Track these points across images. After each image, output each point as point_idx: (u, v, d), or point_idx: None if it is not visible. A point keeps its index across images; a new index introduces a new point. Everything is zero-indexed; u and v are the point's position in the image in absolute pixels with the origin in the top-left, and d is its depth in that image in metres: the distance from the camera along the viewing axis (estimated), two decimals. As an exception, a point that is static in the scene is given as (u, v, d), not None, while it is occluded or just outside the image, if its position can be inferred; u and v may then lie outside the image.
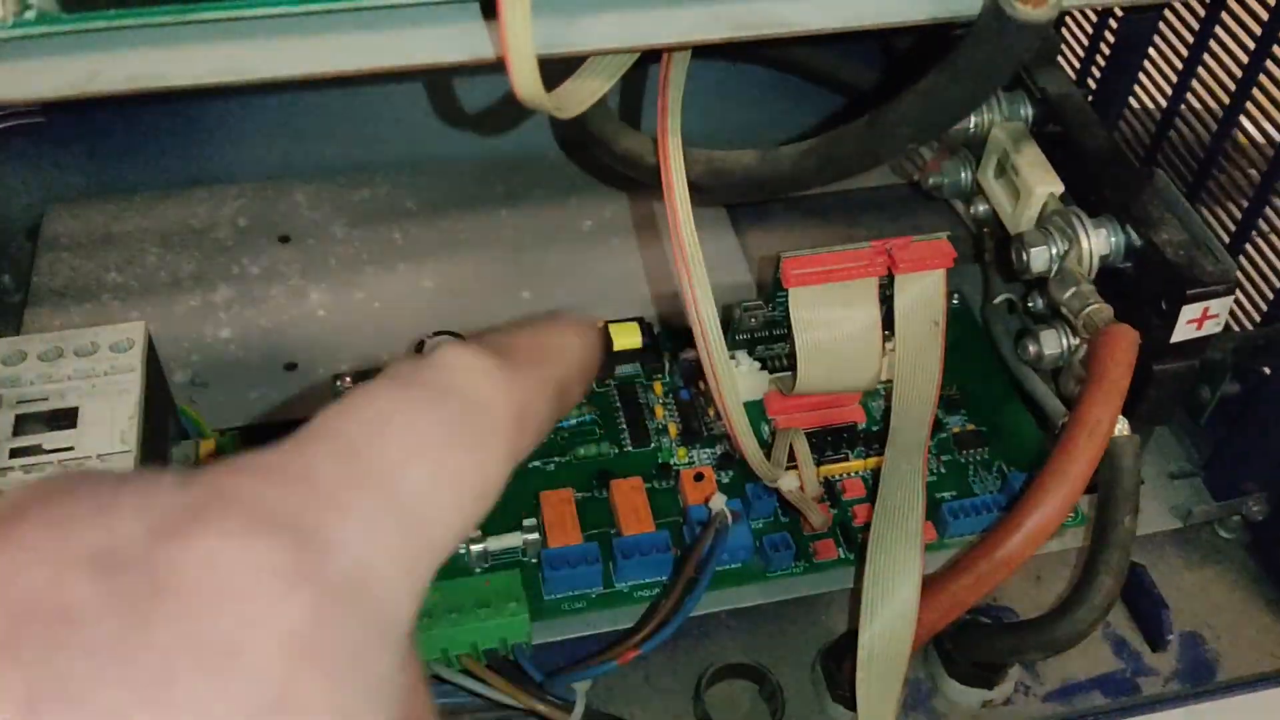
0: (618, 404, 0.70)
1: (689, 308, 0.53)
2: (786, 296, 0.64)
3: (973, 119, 0.68)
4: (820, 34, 0.39)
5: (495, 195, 0.85)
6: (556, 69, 0.40)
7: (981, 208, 0.73)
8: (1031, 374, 0.68)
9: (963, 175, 0.74)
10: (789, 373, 0.68)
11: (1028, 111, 0.71)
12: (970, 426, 0.70)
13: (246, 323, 0.76)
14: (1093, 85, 0.77)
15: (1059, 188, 0.66)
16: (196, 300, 0.77)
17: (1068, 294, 0.62)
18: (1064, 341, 0.64)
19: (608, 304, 0.77)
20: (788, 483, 0.61)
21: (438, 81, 0.82)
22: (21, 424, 0.54)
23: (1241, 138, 0.67)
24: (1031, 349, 0.65)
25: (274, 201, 0.84)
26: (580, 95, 0.40)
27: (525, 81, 0.36)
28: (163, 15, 0.34)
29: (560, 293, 0.78)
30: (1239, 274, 0.65)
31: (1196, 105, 0.70)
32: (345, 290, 0.78)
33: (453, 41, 0.36)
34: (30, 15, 0.34)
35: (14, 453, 0.53)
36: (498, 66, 0.36)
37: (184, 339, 0.74)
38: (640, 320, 0.72)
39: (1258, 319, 0.67)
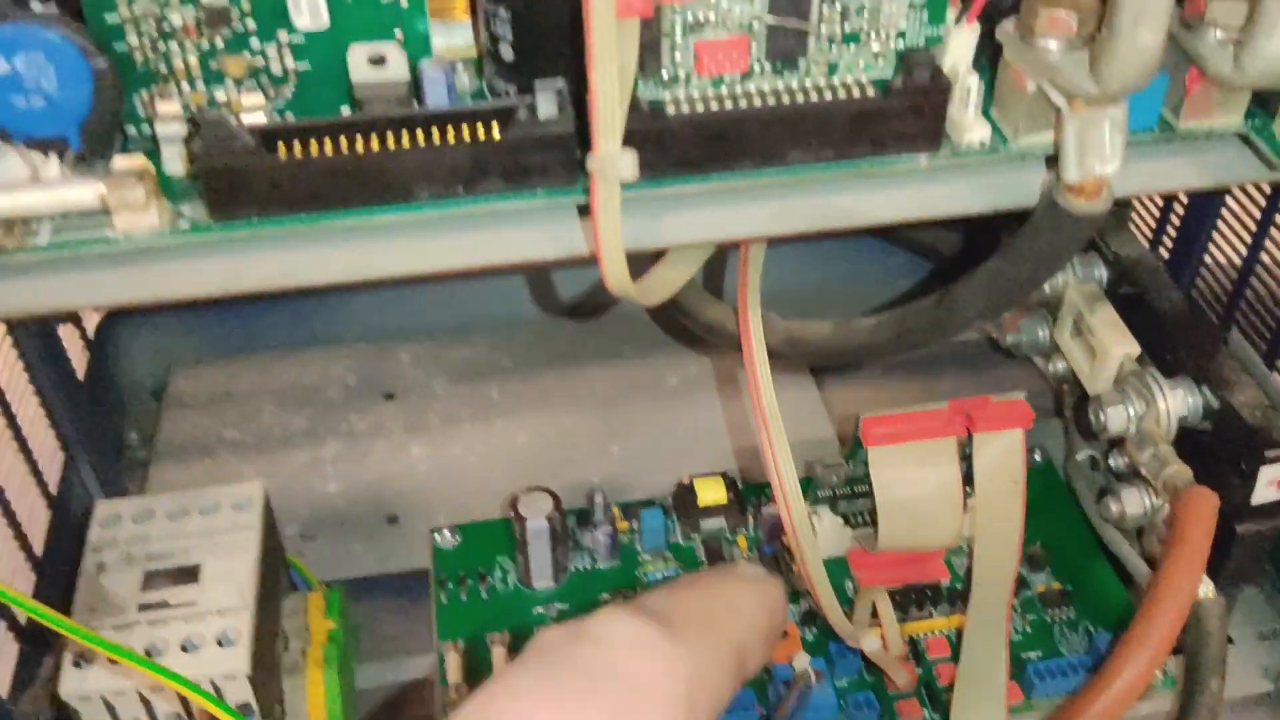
0: (702, 559, 0.72)
1: (770, 471, 0.56)
2: (867, 455, 0.66)
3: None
4: (889, 225, 0.42)
5: (586, 352, 0.89)
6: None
7: (1060, 365, 0.75)
8: (1115, 533, 0.69)
9: (1040, 333, 0.75)
10: (872, 529, 0.69)
11: (1102, 273, 0.73)
12: (1055, 585, 0.70)
13: (352, 477, 0.80)
14: (1167, 246, 0.79)
15: (1135, 349, 0.68)
16: (307, 455, 0.81)
17: (1146, 455, 0.63)
18: (1146, 501, 0.65)
19: (693, 458, 0.80)
20: (870, 643, 0.62)
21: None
22: (150, 580, 0.58)
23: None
24: (1114, 508, 0.66)
25: (380, 361, 0.89)
26: (664, 285, 0.44)
27: (616, 276, 0.39)
28: (300, 223, 0.38)
29: (647, 448, 0.81)
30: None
31: (1271, 265, 0.72)
32: (445, 445, 0.82)
33: (553, 241, 0.40)
34: (183, 224, 0.39)
35: (142, 607, 0.57)
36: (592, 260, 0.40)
37: (294, 493, 0.78)
38: (725, 475, 0.75)
39: (1345, 479, 0.67)
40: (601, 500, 0.72)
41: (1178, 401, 0.65)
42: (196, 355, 0.88)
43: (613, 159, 0.37)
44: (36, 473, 0.72)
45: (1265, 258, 0.71)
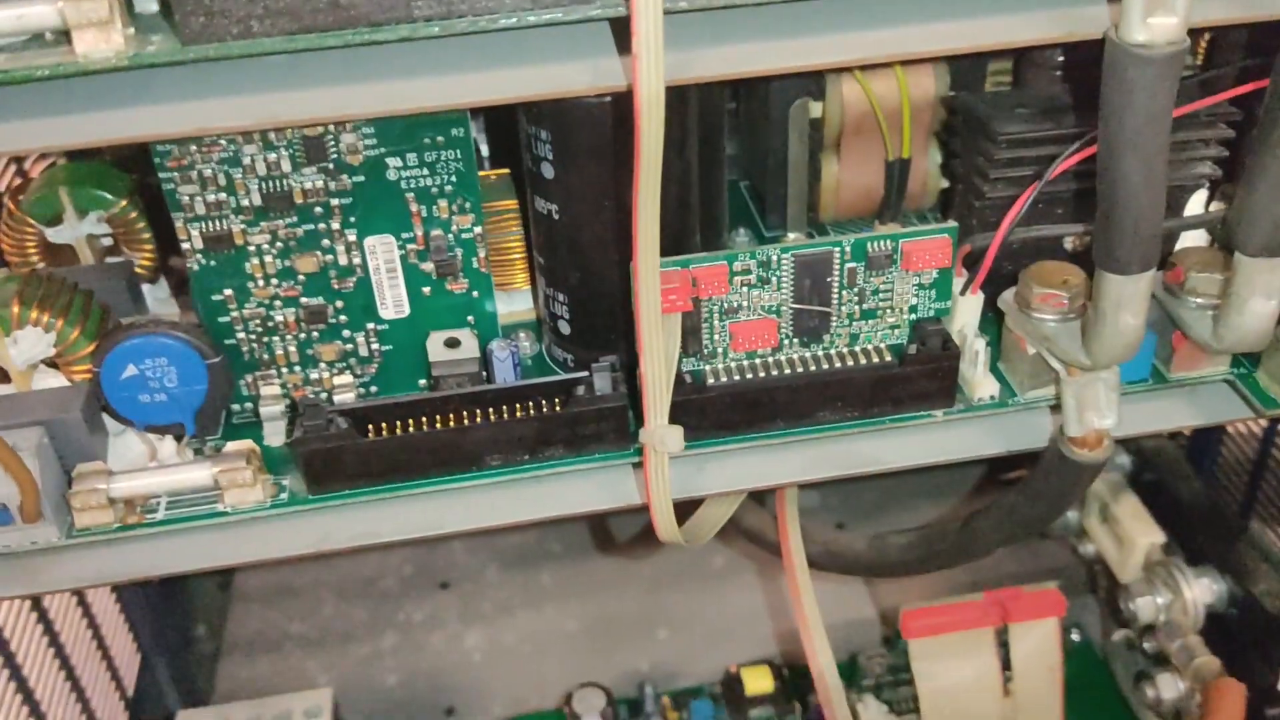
0: (752, 748, 0.74)
1: (815, 673, 0.59)
2: (908, 646, 0.69)
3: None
4: (910, 469, 0.46)
5: (631, 533, 0.93)
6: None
7: (1090, 548, 0.78)
8: (1153, 717, 0.71)
9: (1071, 516, 0.79)
10: (916, 716, 0.71)
11: (1125, 461, 0.77)
12: (1097, 768, 0.72)
13: (411, 668, 0.83)
14: (1186, 434, 0.82)
15: (1160, 538, 0.71)
16: (367, 649, 0.85)
17: (1175, 646, 0.66)
18: (1180, 686, 0.67)
19: (739, 643, 0.83)
20: (919, 838, 0.64)
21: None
22: (228, 791, 0.62)
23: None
24: (1149, 693, 0.68)
25: (434, 549, 0.93)
26: (705, 527, 0.48)
27: (666, 530, 0.44)
28: (383, 492, 0.43)
29: (695, 632, 0.84)
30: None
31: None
32: (498, 634, 0.85)
33: (609, 495, 0.45)
34: (283, 497, 0.44)
35: (221, 818, 0.60)
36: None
37: (356, 686, 0.82)
38: (771, 664, 0.77)
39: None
40: (652, 692, 0.75)
41: (1203, 590, 0.68)
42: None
43: (661, 435, 0.41)
44: (116, 676, 0.76)
45: (1277, 453, 0.74)
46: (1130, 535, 0.71)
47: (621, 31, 0.36)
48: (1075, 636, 0.80)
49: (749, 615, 0.86)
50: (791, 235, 0.54)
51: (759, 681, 0.76)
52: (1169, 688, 0.67)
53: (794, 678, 0.77)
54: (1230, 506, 0.77)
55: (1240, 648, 0.66)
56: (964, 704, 0.69)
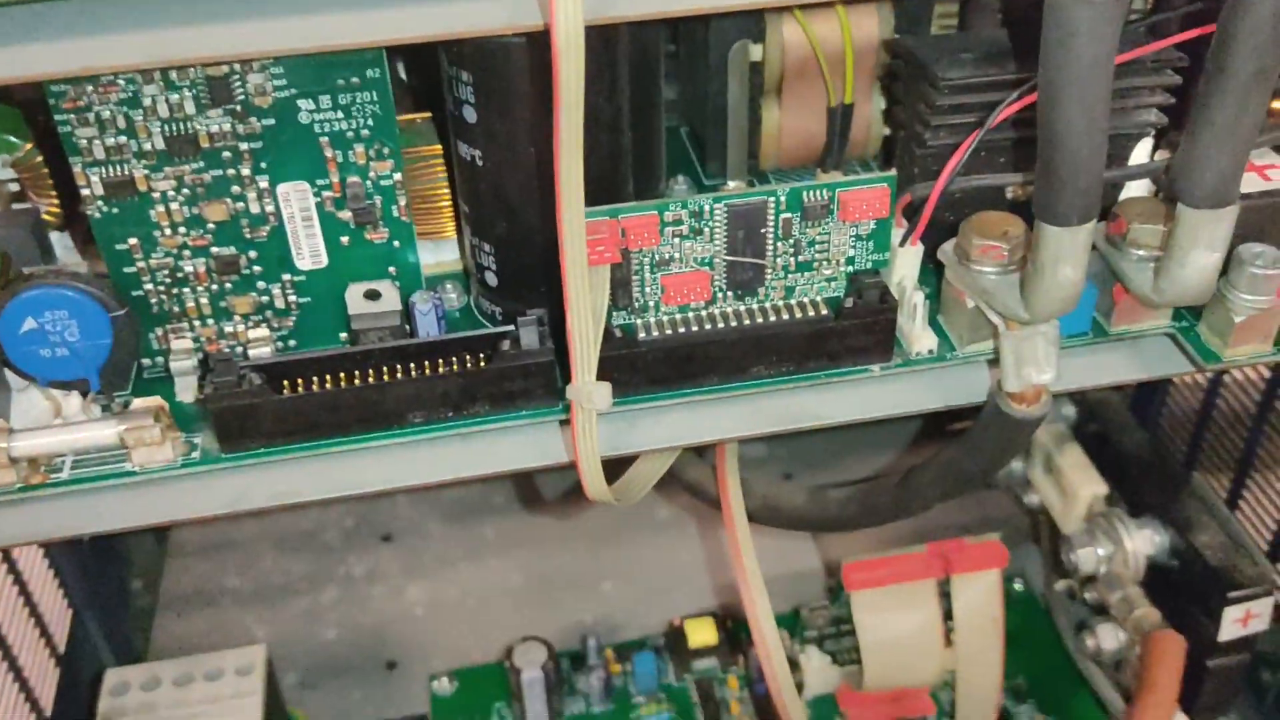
0: (695, 700, 0.74)
1: (754, 629, 0.58)
2: (850, 598, 0.69)
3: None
4: (848, 424, 0.45)
5: (575, 488, 0.92)
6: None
7: (1035, 498, 0.78)
8: (1093, 667, 0.71)
9: (1015, 467, 0.78)
10: (859, 667, 0.71)
11: (1070, 412, 0.77)
12: (1039, 717, 0.73)
13: (352, 622, 0.82)
14: (1131, 387, 0.82)
15: (1103, 489, 0.71)
16: (307, 602, 0.83)
17: (1116, 597, 0.66)
18: (1120, 636, 0.67)
19: (684, 596, 0.82)
20: (857, 791, 0.64)
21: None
22: (157, 750, 0.60)
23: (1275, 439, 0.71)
24: (1090, 643, 0.68)
25: (377, 502, 0.91)
26: (638, 485, 0.47)
27: (595, 488, 0.43)
28: (300, 450, 0.42)
29: (639, 584, 0.83)
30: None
31: (1229, 412, 0.75)
32: (441, 588, 0.84)
33: (536, 452, 0.44)
34: (195, 455, 0.42)
35: (149, 778, 0.59)
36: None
37: (295, 641, 0.80)
38: (715, 616, 0.77)
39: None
40: (595, 644, 0.75)
41: (1144, 542, 0.68)
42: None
43: (588, 391, 0.40)
44: (46, 634, 0.74)
45: (1221, 404, 0.74)
46: (1073, 486, 0.71)
47: (541, -33, 0.34)
48: (1018, 586, 0.80)
49: (694, 568, 0.86)
50: (731, 184, 0.52)
51: (702, 634, 0.76)
52: (1109, 638, 0.67)
53: (738, 630, 0.77)
54: (1174, 458, 0.77)
55: (1181, 600, 0.66)
56: (905, 655, 0.69)
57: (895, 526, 0.84)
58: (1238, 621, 0.63)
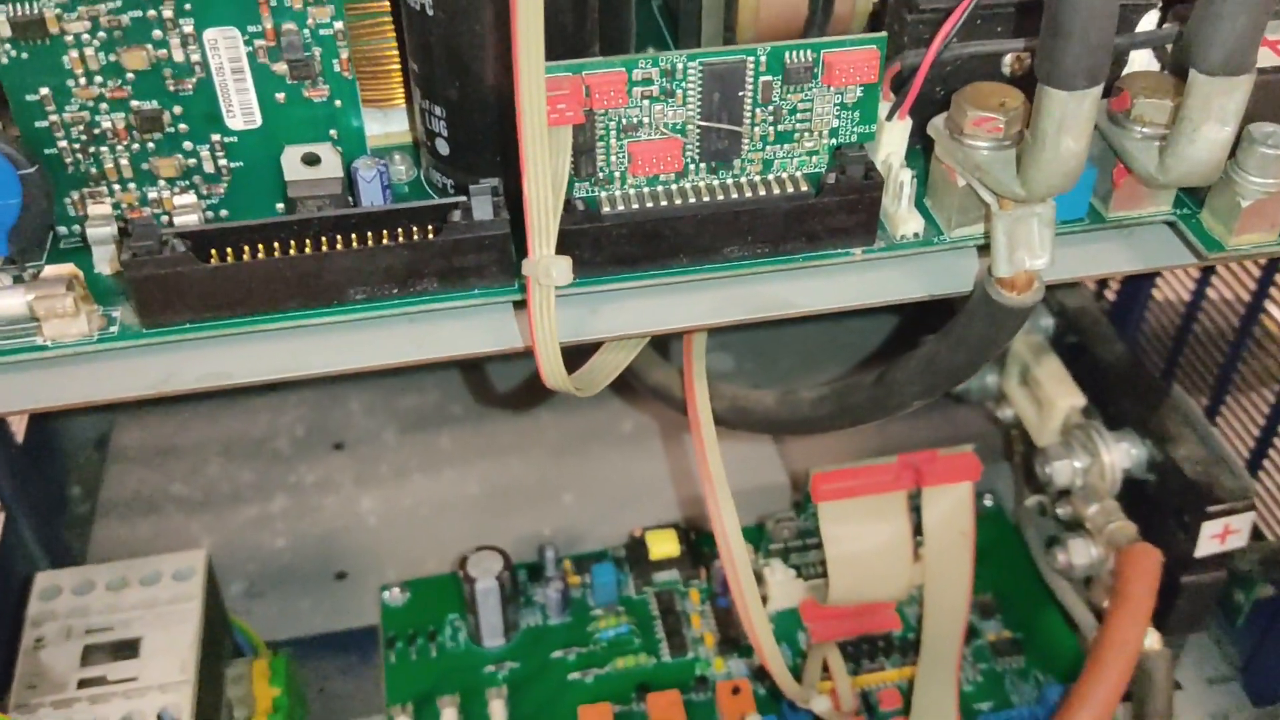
0: (655, 613, 0.72)
1: (717, 537, 0.56)
2: (817, 510, 0.66)
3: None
4: (825, 313, 0.42)
5: (538, 398, 0.89)
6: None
7: (1009, 412, 0.76)
8: (1063, 583, 0.70)
9: (989, 380, 0.76)
10: (824, 581, 0.69)
11: (1048, 323, 0.74)
12: (1006, 634, 0.71)
13: (301, 532, 0.79)
14: (1111, 295, 0.80)
15: (1080, 401, 0.69)
16: (255, 510, 0.80)
17: (1091, 510, 0.64)
18: (1092, 552, 0.65)
19: (647, 505, 0.80)
20: (820, 704, 0.63)
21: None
22: (89, 655, 0.57)
23: (1257, 355, 0.69)
24: (1061, 558, 0.66)
25: (330, 409, 0.88)
26: (600, 375, 0.44)
27: (552, 373, 0.39)
28: (230, 326, 0.38)
29: (601, 496, 0.81)
30: (1259, 489, 0.66)
31: (1210, 325, 0.72)
32: (395, 497, 0.81)
33: (489, 336, 0.40)
34: (114, 330, 0.38)
35: (81, 683, 0.56)
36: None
37: (242, 550, 0.77)
38: (677, 527, 0.75)
39: (1284, 529, 0.68)
40: (553, 555, 0.72)
41: (1122, 455, 0.66)
42: (141, 403, 0.87)
43: (546, 265, 0.37)
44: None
45: (1203, 318, 0.72)
46: (1050, 398, 0.69)
47: None
48: (988, 502, 0.78)
49: (657, 480, 0.83)
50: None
51: (664, 545, 0.74)
52: (1080, 553, 0.66)
53: (701, 542, 0.75)
54: (1153, 371, 0.75)
55: (1157, 514, 0.64)
56: (872, 569, 0.67)
57: (865, 441, 0.83)
58: (1215, 537, 0.62)
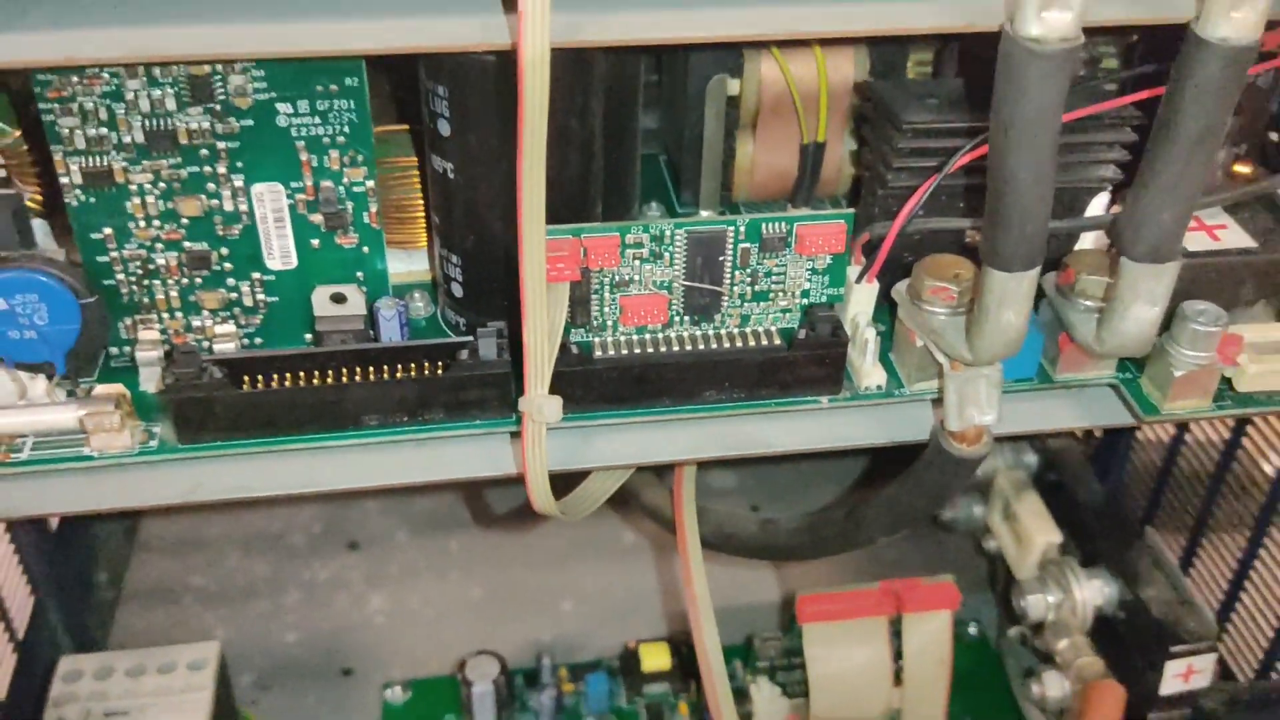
0: (646, 724, 0.74)
1: (699, 654, 0.59)
2: (802, 631, 0.69)
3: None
4: (796, 453, 0.46)
5: (546, 507, 0.92)
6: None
7: (993, 543, 0.79)
8: (1038, 714, 0.72)
9: (975, 512, 0.79)
10: (807, 699, 0.72)
11: (1031, 460, 0.78)
12: (981, 761, 0.73)
13: (311, 627, 0.82)
14: (1098, 433, 0.83)
15: (1057, 537, 0.72)
16: (268, 604, 0.84)
17: (1062, 644, 0.67)
18: (1065, 685, 0.68)
19: (642, 619, 0.83)
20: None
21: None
22: (104, 739, 0.61)
23: (1232, 500, 0.72)
24: (1035, 690, 0.69)
25: (347, 508, 0.92)
26: (586, 502, 0.48)
27: (542, 501, 0.44)
28: (256, 445, 0.43)
29: (599, 606, 0.84)
30: (1230, 630, 0.69)
31: (1189, 470, 0.76)
32: (403, 597, 0.85)
33: (488, 463, 0.45)
34: (152, 444, 0.43)
35: (95, 766, 0.60)
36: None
37: (253, 641, 0.81)
38: (670, 641, 0.78)
39: (1252, 673, 0.70)
40: (549, 663, 0.75)
41: (1094, 592, 0.69)
42: (170, 498, 0.91)
43: (539, 404, 0.41)
44: (6, 619, 0.74)
45: (1182, 461, 0.75)
46: (1029, 533, 0.72)
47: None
48: (973, 631, 0.81)
49: (654, 593, 0.86)
50: (704, 213, 0.54)
51: (657, 658, 0.77)
52: (1054, 685, 0.68)
53: (692, 656, 0.77)
54: (1133, 512, 0.78)
55: (1126, 651, 0.66)
56: (853, 690, 0.70)
57: (855, 565, 0.85)
58: (1179, 676, 0.64)
